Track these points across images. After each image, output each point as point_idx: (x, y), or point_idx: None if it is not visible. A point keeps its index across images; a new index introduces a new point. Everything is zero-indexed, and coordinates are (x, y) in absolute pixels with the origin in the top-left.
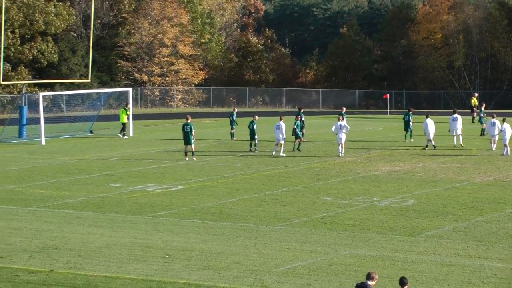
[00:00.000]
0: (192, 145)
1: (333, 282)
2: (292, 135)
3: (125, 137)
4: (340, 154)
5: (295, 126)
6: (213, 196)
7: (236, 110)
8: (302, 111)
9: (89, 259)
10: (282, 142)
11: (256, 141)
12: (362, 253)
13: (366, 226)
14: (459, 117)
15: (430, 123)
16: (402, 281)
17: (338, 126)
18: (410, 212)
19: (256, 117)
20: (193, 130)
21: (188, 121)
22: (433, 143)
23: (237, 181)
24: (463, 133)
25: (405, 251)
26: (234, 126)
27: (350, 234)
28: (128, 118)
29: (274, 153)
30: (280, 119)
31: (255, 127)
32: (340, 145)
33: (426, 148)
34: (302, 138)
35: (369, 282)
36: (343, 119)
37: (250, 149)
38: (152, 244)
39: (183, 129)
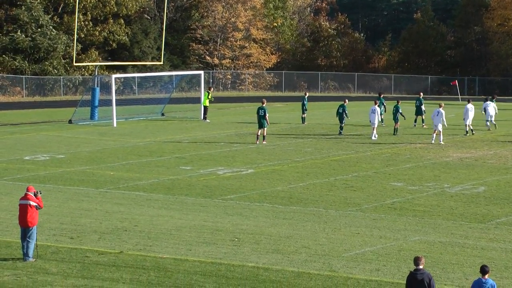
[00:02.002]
0: (265, 129)
1: (402, 268)
2: (393, 119)
3: (207, 120)
4: (432, 141)
5: (400, 111)
6: (283, 180)
7: (307, 94)
8: (382, 96)
9: (159, 241)
10: (376, 125)
11: (343, 125)
12: (432, 240)
13: (436, 212)
14: (491, 104)
15: (471, 108)
16: (484, 269)
17: (435, 112)
18: (480, 199)
19: (347, 100)
20: (267, 114)
21: (263, 105)
22: (471, 128)
23: (307, 165)
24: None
25: (475, 238)
26: (305, 111)
27: (420, 220)
28: (210, 102)
29: (373, 137)
30: (375, 104)
31: (346, 111)
32: (435, 131)
33: (466, 134)
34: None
35: (421, 267)
36: (441, 106)
37: (340, 132)
38: (222, 227)
39: (257, 112)
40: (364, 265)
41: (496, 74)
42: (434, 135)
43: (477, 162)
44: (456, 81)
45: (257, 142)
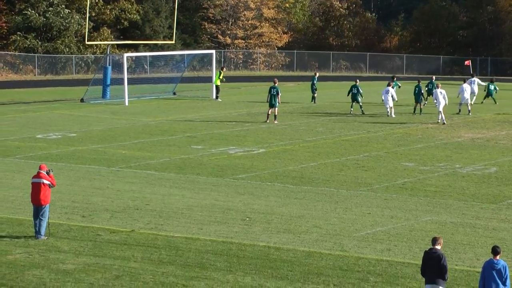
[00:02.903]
0: (276, 108)
1: (413, 248)
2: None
3: (219, 99)
4: (438, 121)
5: (423, 91)
6: (294, 160)
7: (317, 74)
8: (396, 78)
9: (170, 220)
10: (392, 105)
11: (361, 104)
12: (443, 220)
13: (447, 192)
14: (476, 81)
15: (467, 88)
16: (495, 250)
17: (438, 93)
18: (492, 179)
19: (358, 80)
20: (280, 94)
21: (275, 84)
22: (469, 108)
23: (318, 145)
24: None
25: (486, 219)
26: (315, 90)
27: (431, 201)
28: (221, 82)
29: (392, 115)
30: (389, 85)
31: (360, 90)
32: (440, 112)
33: (459, 112)
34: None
35: (437, 247)
36: (439, 86)
37: (351, 111)
38: (233, 207)
39: (269, 91)
40: (375, 245)
41: (509, 54)
42: (442, 115)
43: (489, 142)
44: (470, 61)
45: (268, 121)
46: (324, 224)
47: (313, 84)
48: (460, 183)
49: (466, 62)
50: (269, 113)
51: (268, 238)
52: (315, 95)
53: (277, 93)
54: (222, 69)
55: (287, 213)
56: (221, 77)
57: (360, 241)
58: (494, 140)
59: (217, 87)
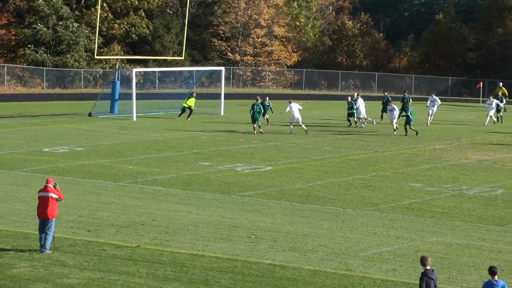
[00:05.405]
0: (258, 121)
1: (418, 268)
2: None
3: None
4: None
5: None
6: (301, 178)
7: (267, 98)
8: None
9: (176, 236)
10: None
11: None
12: (449, 241)
13: (453, 214)
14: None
15: (395, 108)
16: (492, 270)
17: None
18: (498, 201)
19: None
20: (262, 111)
21: (258, 102)
22: (396, 126)
23: (326, 164)
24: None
25: (492, 241)
26: (267, 113)
27: (437, 222)
28: (190, 108)
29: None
30: (357, 96)
31: (355, 106)
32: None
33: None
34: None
35: (428, 267)
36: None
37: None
38: (239, 224)
39: (253, 108)
40: (380, 265)
41: None
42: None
43: (496, 164)
44: (482, 83)
45: (255, 133)
46: (330, 243)
47: (265, 107)
48: (467, 205)
49: (478, 85)
50: (255, 126)
51: (274, 256)
52: (266, 116)
53: (260, 110)
54: (192, 94)
55: (293, 231)
56: (188, 102)
57: (365, 261)
58: (501, 162)
59: (189, 107)
